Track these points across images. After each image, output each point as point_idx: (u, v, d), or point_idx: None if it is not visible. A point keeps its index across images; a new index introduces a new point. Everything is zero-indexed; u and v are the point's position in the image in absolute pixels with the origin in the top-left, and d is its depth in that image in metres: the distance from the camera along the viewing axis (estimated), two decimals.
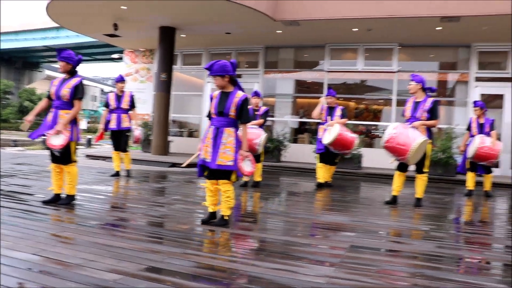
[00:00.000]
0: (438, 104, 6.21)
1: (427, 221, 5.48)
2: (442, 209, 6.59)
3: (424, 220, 5.52)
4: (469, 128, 8.03)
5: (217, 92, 4.57)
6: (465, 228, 5.40)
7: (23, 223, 4.16)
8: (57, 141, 5.00)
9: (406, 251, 3.92)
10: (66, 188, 5.22)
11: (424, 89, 6.31)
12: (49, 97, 5.27)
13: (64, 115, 5.09)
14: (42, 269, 2.92)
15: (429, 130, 6.24)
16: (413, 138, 5.81)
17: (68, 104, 5.13)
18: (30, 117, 5.21)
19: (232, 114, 4.41)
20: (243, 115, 4.45)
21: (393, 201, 6.47)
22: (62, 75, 5.30)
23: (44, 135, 5.15)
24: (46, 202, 5.19)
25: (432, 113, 6.14)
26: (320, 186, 8.07)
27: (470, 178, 7.97)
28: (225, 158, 4.35)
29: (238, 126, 4.54)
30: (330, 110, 7.93)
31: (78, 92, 5.15)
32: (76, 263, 3.06)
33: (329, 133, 7.55)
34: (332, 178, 8.51)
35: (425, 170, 6.32)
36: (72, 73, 5.25)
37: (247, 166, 4.51)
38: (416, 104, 6.28)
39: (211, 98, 4.58)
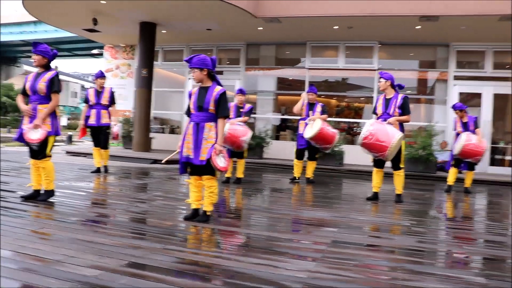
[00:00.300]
0: (408, 99, 6.33)
1: (408, 216, 5.55)
2: (423, 205, 6.68)
3: (405, 216, 5.59)
4: (455, 129, 8.17)
5: (195, 89, 4.55)
6: (445, 223, 5.48)
7: (3, 220, 4.08)
8: (35, 135, 4.91)
9: (387, 245, 3.97)
10: (43, 183, 5.14)
11: (394, 86, 6.45)
12: (24, 92, 5.17)
13: (43, 109, 5.01)
14: (21, 266, 2.88)
15: (401, 126, 6.35)
16: (392, 134, 5.89)
17: (45, 98, 5.04)
18: (24, 108, 5.03)
19: (211, 109, 4.39)
20: (221, 109, 4.39)
21: (374, 197, 6.54)
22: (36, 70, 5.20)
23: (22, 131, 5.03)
24: (25, 198, 5.12)
25: (404, 109, 6.28)
26: (294, 180, 8.38)
27: (452, 173, 8.10)
28: (207, 153, 4.34)
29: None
30: (311, 106, 8.13)
31: (54, 85, 5.05)
32: (56, 259, 3.01)
33: (310, 128, 7.68)
34: (314, 174, 8.55)
35: (402, 165, 6.43)
36: (46, 67, 5.16)
37: (220, 161, 4.41)
38: (387, 101, 6.39)
39: (190, 95, 4.56)
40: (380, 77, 6.45)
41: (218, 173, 4.51)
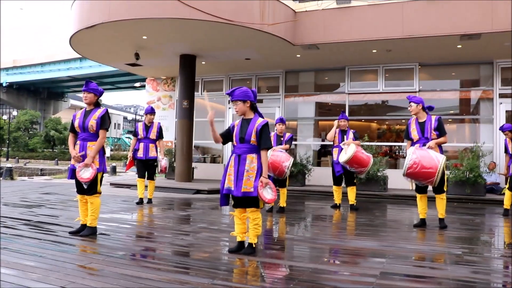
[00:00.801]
0: (442, 120, 6.21)
1: (458, 244, 5.33)
2: (474, 231, 6.41)
3: (455, 243, 5.37)
4: (506, 151, 7.89)
5: (237, 121, 4.57)
6: (500, 251, 5.23)
7: (52, 254, 4.19)
8: (86, 174, 5.03)
9: (439, 276, 3.80)
10: (88, 219, 5.22)
11: (424, 109, 6.32)
12: (73, 130, 5.31)
13: (92, 147, 5.13)
14: None
15: (440, 148, 6.21)
16: (436, 158, 5.73)
17: (95, 135, 5.18)
18: (74, 153, 5.15)
19: (253, 140, 4.38)
20: (263, 140, 4.37)
21: (422, 223, 6.34)
22: (82, 107, 5.35)
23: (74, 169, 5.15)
24: (73, 233, 5.22)
25: (440, 130, 6.15)
26: (335, 207, 8.38)
27: (508, 197, 7.78)
28: (249, 185, 4.31)
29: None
30: (343, 133, 8.18)
31: (105, 122, 5.20)
32: None
33: (345, 152, 7.73)
34: (357, 200, 8.41)
35: (445, 189, 6.26)
36: (96, 104, 5.31)
37: (267, 193, 4.37)
38: (421, 125, 6.24)
39: (232, 127, 4.57)
40: (410, 102, 6.32)
41: (262, 204, 4.46)
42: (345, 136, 8.10)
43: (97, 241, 4.93)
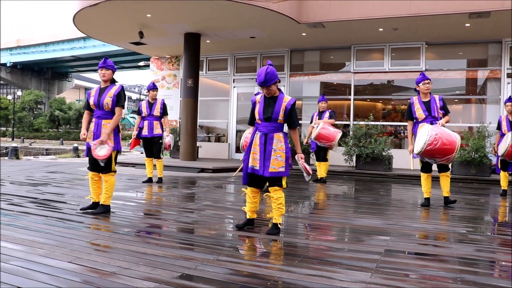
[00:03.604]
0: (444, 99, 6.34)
1: (463, 223, 5.33)
2: (478, 210, 6.40)
3: (460, 222, 5.37)
4: (499, 127, 7.83)
5: (259, 97, 4.44)
6: (503, 230, 5.23)
7: (58, 231, 4.22)
8: (102, 151, 5.03)
9: (444, 254, 3.81)
10: (102, 197, 5.24)
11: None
12: (88, 107, 5.28)
13: (107, 125, 5.11)
14: (79, 278, 2.94)
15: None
16: (454, 135, 5.71)
17: (110, 113, 5.16)
18: (84, 132, 5.18)
19: (280, 119, 4.29)
20: (293, 120, 4.32)
21: (427, 203, 6.35)
22: (87, 87, 5.34)
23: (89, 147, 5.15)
24: (84, 209, 5.26)
25: (445, 109, 6.24)
26: (318, 181, 9.29)
27: (504, 178, 7.78)
28: (277, 164, 4.25)
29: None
30: (320, 114, 9.27)
31: (121, 99, 5.17)
32: (112, 271, 3.07)
33: (315, 131, 8.91)
34: (327, 174, 9.40)
35: (449, 166, 6.33)
36: (112, 81, 5.28)
37: (308, 167, 4.47)
38: (426, 104, 6.21)
39: (254, 103, 4.46)
40: (428, 79, 6.25)
41: (286, 185, 4.43)
42: (322, 116, 9.20)
43: (103, 218, 4.96)
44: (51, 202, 5.93)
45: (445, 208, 6.24)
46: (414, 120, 6.33)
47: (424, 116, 6.18)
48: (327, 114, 9.15)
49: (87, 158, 5.30)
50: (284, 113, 4.27)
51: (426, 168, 6.36)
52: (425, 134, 5.73)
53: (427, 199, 6.39)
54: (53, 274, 2.97)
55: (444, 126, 5.92)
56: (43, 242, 3.77)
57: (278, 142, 4.29)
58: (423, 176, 6.42)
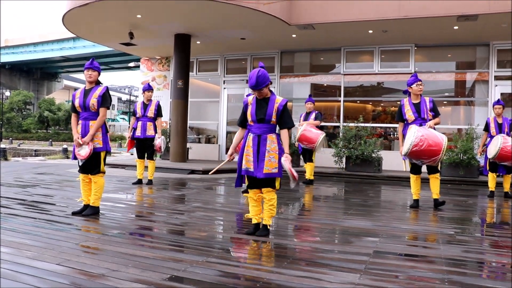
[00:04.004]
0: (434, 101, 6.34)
1: (451, 224, 5.38)
2: (466, 212, 6.47)
3: (448, 224, 5.42)
4: (486, 129, 7.91)
5: (251, 98, 4.41)
6: (491, 231, 5.28)
7: (46, 233, 4.19)
8: (82, 151, 5.04)
9: (432, 256, 3.84)
10: (92, 198, 5.22)
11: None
12: (74, 110, 5.26)
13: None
14: (67, 280, 2.92)
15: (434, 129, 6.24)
16: (441, 137, 5.76)
17: (97, 114, 5.15)
18: (77, 136, 5.12)
19: (273, 120, 4.29)
20: (285, 119, 4.31)
21: (416, 204, 6.40)
22: (76, 88, 5.34)
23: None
24: (76, 213, 5.20)
25: (435, 111, 6.25)
26: (306, 182, 9.23)
27: (491, 179, 7.86)
28: (270, 165, 4.25)
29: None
30: (307, 115, 9.28)
31: (106, 100, 5.18)
32: (100, 273, 3.05)
33: (298, 132, 8.92)
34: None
35: (439, 168, 6.34)
36: (96, 82, 5.27)
37: (294, 171, 4.34)
38: (416, 106, 6.24)
39: (246, 105, 4.42)
40: (420, 80, 6.27)
41: (279, 186, 4.42)
42: (308, 117, 9.19)
43: (92, 220, 4.93)
44: (40, 204, 5.89)
45: (434, 209, 6.28)
46: (405, 122, 6.37)
47: (414, 118, 6.22)
48: (313, 115, 9.17)
49: (75, 161, 5.28)
50: (277, 114, 4.27)
51: (415, 170, 6.40)
52: (412, 136, 5.78)
53: (416, 201, 6.44)
54: (41, 277, 2.95)
55: (432, 128, 5.97)
56: (31, 244, 3.74)
57: (272, 143, 4.29)
58: (412, 177, 6.46)
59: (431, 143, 5.70)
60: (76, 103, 5.18)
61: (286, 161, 4.24)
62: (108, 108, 5.27)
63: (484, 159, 8.09)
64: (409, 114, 6.27)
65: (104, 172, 5.26)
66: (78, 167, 5.27)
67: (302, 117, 9.33)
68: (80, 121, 5.19)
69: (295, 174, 4.28)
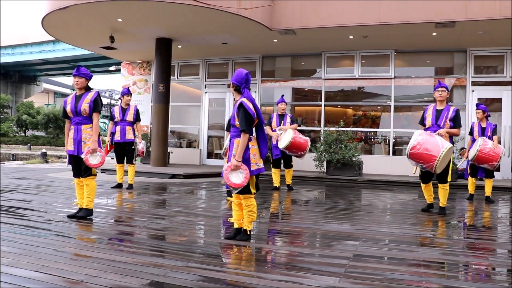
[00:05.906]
0: (459, 112, 6.22)
1: (430, 227, 5.46)
2: (445, 215, 6.56)
3: (427, 226, 5.50)
4: (471, 133, 8.05)
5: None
6: (468, 233, 5.37)
7: (24, 239, 4.13)
8: (97, 159, 5.17)
9: (410, 258, 3.89)
10: (85, 201, 5.31)
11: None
12: (66, 116, 5.34)
13: (87, 129, 5.22)
14: (46, 287, 2.88)
15: (451, 139, 6.24)
16: (441, 144, 5.73)
17: (88, 118, 5.26)
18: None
19: (237, 124, 4.21)
20: (240, 122, 4.15)
21: (428, 208, 6.57)
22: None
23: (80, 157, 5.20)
24: (71, 217, 5.26)
25: (455, 122, 6.13)
26: (275, 189, 8.83)
27: (471, 183, 8.01)
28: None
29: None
30: (281, 117, 8.71)
31: (97, 105, 5.27)
32: (79, 279, 3.03)
33: (283, 138, 8.23)
34: (293, 181, 9.19)
35: (449, 179, 6.29)
36: (86, 88, 5.35)
37: (237, 178, 4.10)
38: (438, 112, 6.23)
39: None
40: (442, 87, 6.23)
41: (255, 190, 4.32)
42: (282, 121, 8.60)
43: (71, 226, 4.88)
44: (17, 209, 5.79)
45: (414, 212, 6.37)
46: (424, 127, 6.36)
47: (431, 124, 6.24)
48: (288, 119, 8.61)
49: (70, 166, 5.40)
50: (237, 116, 4.20)
51: (423, 179, 6.46)
52: (412, 138, 5.89)
53: (429, 205, 6.58)
54: (18, 284, 2.91)
55: (441, 135, 5.93)
56: (7, 251, 3.68)
57: (237, 147, 4.21)
58: (422, 186, 6.55)
59: (428, 147, 5.71)
60: (68, 109, 5.27)
61: (229, 167, 4.12)
62: (100, 113, 5.32)
63: (466, 163, 8.23)
64: (428, 120, 6.30)
65: (95, 175, 5.37)
66: (72, 172, 5.40)
67: (275, 119, 8.66)
68: (72, 126, 5.28)
69: (232, 182, 4.11)
